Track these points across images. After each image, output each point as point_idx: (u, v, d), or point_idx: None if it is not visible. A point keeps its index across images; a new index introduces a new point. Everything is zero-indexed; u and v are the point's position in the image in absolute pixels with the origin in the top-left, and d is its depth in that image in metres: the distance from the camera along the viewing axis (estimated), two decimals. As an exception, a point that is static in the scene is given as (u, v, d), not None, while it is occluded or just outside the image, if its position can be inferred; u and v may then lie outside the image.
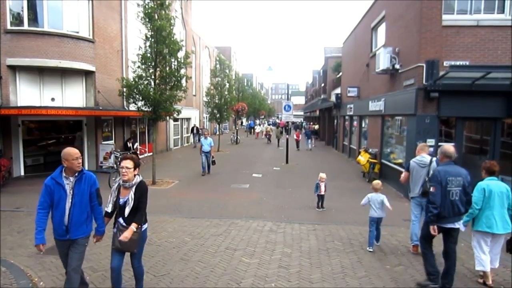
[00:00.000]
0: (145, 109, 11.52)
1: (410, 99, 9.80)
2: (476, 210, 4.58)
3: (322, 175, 8.74)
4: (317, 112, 38.24)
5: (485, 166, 4.82)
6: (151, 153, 14.81)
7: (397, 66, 11.03)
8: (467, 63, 9.23)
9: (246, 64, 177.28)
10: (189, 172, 14.08)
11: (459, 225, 4.53)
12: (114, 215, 3.99)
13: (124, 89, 11.29)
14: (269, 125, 45.51)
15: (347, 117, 20.46)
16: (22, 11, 12.20)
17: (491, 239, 4.67)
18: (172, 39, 11.17)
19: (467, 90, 9.04)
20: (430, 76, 9.15)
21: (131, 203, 3.80)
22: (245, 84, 44.68)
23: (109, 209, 3.94)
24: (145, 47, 11.20)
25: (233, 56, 52.75)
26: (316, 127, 36.79)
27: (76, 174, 3.72)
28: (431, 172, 5.33)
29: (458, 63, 9.21)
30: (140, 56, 11.16)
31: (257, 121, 54.99)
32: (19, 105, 12.05)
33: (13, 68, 12.10)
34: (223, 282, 4.71)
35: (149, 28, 11.01)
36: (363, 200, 6.29)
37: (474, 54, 9.27)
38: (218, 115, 22.86)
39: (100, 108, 13.76)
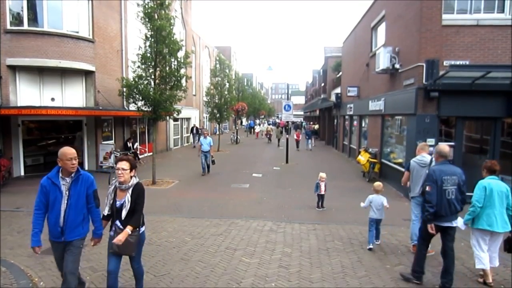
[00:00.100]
0: (145, 109, 11.52)
1: (410, 99, 9.80)
2: (477, 208, 4.59)
3: (322, 174, 8.74)
4: (317, 112, 38.26)
5: (486, 165, 4.85)
6: (151, 153, 14.79)
7: (397, 66, 11.03)
8: (467, 62, 9.23)
9: (246, 64, 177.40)
10: (189, 172, 14.08)
11: (456, 223, 4.56)
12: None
13: (124, 89, 11.29)
14: (269, 124, 45.59)
15: (347, 117, 20.46)
16: (22, 11, 12.20)
17: (490, 237, 4.69)
18: (172, 39, 11.17)
19: (467, 89, 9.04)
20: (430, 76, 9.15)
21: (127, 206, 3.71)
22: (245, 84, 44.68)
23: (106, 212, 3.84)
24: (145, 47, 11.20)
25: (233, 56, 52.72)
26: (316, 126, 36.78)
27: (73, 175, 3.63)
28: None
29: (458, 62, 9.21)
30: (140, 56, 11.16)
31: (257, 121, 54.98)
32: (19, 105, 12.04)
33: (13, 68, 12.10)
34: (223, 282, 4.71)
35: (149, 28, 11.00)
36: (364, 203, 6.31)
37: (474, 53, 9.27)
38: (218, 115, 22.86)
39: (100, 108, 13.75)
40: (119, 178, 3.74)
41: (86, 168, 13.99)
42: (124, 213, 3.71)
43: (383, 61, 11.29)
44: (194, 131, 26.21)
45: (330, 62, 28.76)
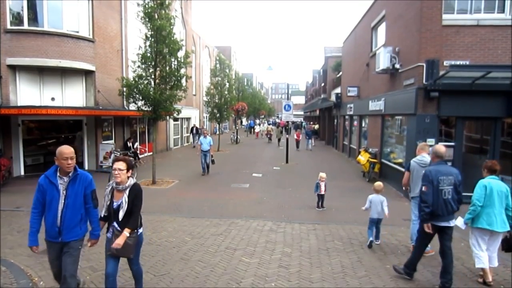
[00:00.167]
0: (145, 109, 11.52)
1: (410, 99, 9.80)
2: (478, 207, 4.60)
3: (322, 174, 8.75)
4: (317, 112, 38.25)
5: (487, 165, 4.88)
6: (151, 153, 14.80)
7: (397, 66, 11.03)
8: (467, 62, 9.23)
9: (246, 63, 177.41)
10: (189, 171, 14.08)
11: (453, 223, 4.58)
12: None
13: (124, 89, 11.29)
14: (269, 124, 45.62)
15: (347, 117, 20.45)
16: (22, 10, 12.20)
17: (490, 237, 4.70)
18: (172, 38, 11.16)
19: (467, 89, 9.04)
20: (430, 76, 9.15)
21: (125, 206, 3.65)
22: (245, 83, 44.66)
23: (103, 213, 3.80)
24: (145, 46, 11.19)
25: (233, 55, 52.70)
26: (316, 126, 36.80)
27: (70, 174, 3.56)
28: None
29: (458, 62, 9.21)
30: (140, 55, 11.15)
31: (257, 121, 54.97)
32: (19, 104, 12.04)
33: (13, 68, 12.10)
34: (223, 281, 4.71)
35: (149, 27, 11.00)
36: (365, 204, 6.35)
37: (474, 53, 9.27)
38: (218, 115, 22.86)
39: (100, 107, 13.75)
40: (116, 179, 3.67)
41: (86, 168, 13.99)
42: (121, 214, 3.65)
43: (383, 61, 11.28)
44: (194, 131, 26.20)
45: (330, 62, 28.77)
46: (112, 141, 15.43)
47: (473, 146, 9.97)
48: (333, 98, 24.37)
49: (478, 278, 4.83)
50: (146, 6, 10.98)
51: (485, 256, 4.66)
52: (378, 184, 6.42)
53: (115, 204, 3.71)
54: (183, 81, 11.97)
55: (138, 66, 11.23)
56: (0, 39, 11.68)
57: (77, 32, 13.14)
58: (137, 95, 11.26)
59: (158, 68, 11.28)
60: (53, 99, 12.98)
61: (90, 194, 3.67)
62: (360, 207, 6.56)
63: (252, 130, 42.49)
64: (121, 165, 3.67)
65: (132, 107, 13.29)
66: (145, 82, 11.24)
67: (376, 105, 13.35)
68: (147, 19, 10.96)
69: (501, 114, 9.17)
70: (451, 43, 9.33)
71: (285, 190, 11.11)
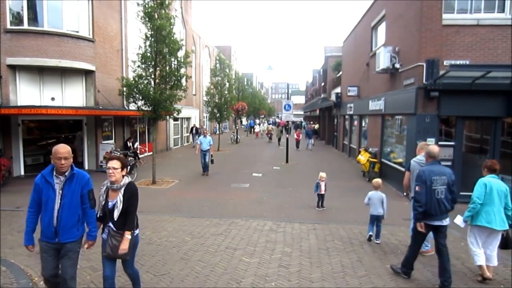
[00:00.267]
0: (145, 109, 11.52)
1: (410, 98, 9.80)
2: (478, 205, 4.62)
3: (322, 174, 8.75)
4: (317, 112, 38.22)
5: (487, 164, 4.91)
6: (151, 153, 14.79)
7: (397, 65, 11.03)
8: (467, 62, 9.23)
9: (246, 63, 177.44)
10: (189, 171, 14.08)
11: (446, 222, 4.61)
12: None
13: (124, 89, 11.29)
14: (269, 124, 45.63)
15: (347, 117, 20.45)
16: (22, 10, 12.19)
17: (488, 235, 4.71)
18: (172, 38, 11.17)
19: (467, 89, 9.04)
20: (430, 75, 9.15)
21: (119, 206, 3.53)
22: (245, 83, 44.67)
23: (98, 213, 3.69)
24: (145, 46, 11.19)
25: (233, 55, 52.69)
26: (316, 126, 36.80)
27: (67, 174, 3.47)
28: None
29: (458, 62, 9.21)
30: (140, 55, 11.16)
31: (257, 121, 54.96)
32: (19, 104, 12.04)
33: (13, 68, 12.09)
34: (223, 281, 4.71)
35: (149, 27, 11.00)
36: (365, 200, 6.50)
37: (474, 53, 9.27)
38: (218, 115, 22.87)
39: (100, 107, 13.76)
40: (110, 178, 3.56)
41: (86, 167, 13.99)
42: (116, 214, 3.55)
43: (383, 60, 11.29)
44: (194, 131, 26.19)
45: (330, 62, 28.76)
46: (112, 141, 15.43)
47: (473, 146, 9.97)
48: (333, 97, 24.36)
49: (478, 277, 4.83)
50: (146, 6, 10.98)
51: (482, 253, 4.70)
52: (376, 180, 6.56)
53: (110, 204, 3.61)
54: (183, 81, 11.98)
55: (138, 66, 11.23)
56: (0, 39, 11.68)
57: (77, 32, 13.14)
58: (137, 95, 11.26)
59: (158, 68, 11.29)
60: (53, 99, 12.98)
61: (87, 194, 3.57)
62: (360, 207, 6.60)
63: (252, 130, 42.51)
64: (115, 163, 3.57)
65: (132, 107, 13.29)
66: (145, 82, 11.24)
67: (376, 105, 13.35)
68: (147, 19, 10.96)
69: (501, 113, 9.17)
70: (451, 43, 9.33)
71: (285, 189, 11.11)
